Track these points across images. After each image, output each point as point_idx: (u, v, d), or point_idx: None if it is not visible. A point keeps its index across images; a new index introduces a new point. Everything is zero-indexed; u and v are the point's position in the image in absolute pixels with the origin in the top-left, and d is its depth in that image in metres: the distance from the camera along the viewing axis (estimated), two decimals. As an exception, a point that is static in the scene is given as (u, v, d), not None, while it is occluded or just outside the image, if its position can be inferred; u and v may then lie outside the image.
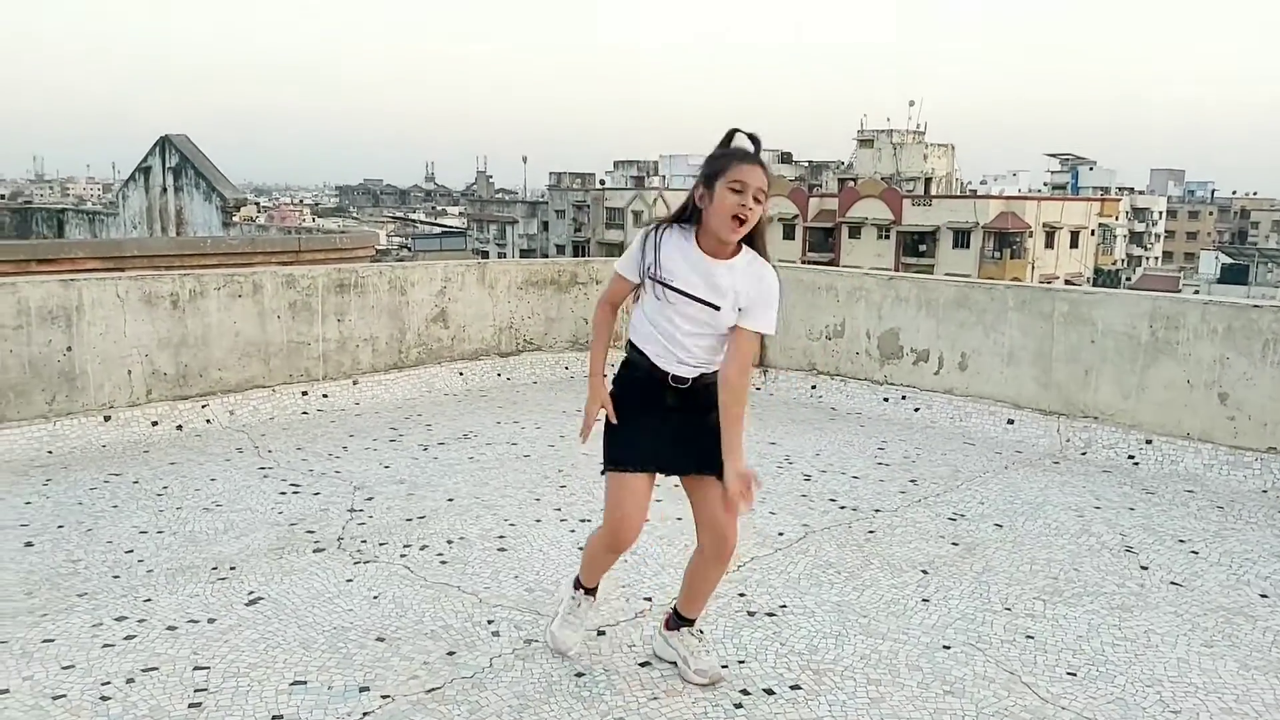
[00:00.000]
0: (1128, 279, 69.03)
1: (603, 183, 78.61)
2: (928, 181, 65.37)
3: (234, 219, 12.93)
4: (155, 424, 5.39)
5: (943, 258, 56.94)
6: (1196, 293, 57.70)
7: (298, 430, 5.57)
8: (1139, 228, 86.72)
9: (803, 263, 56.50)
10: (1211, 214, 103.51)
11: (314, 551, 3.81)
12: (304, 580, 3.54)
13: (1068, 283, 55.80)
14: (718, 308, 2.61)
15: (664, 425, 2.72)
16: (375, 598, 3.40)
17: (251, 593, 3.42)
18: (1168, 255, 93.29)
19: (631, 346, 2.76)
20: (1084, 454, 5.33)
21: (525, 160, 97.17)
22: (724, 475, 2.63)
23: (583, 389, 6.58)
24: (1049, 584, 3.62)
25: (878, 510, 4.41)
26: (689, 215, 2.65)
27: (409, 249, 63.05)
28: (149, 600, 3.34)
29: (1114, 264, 70.12)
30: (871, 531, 4.13)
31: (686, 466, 2.75)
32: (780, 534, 4.08)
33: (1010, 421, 5.70)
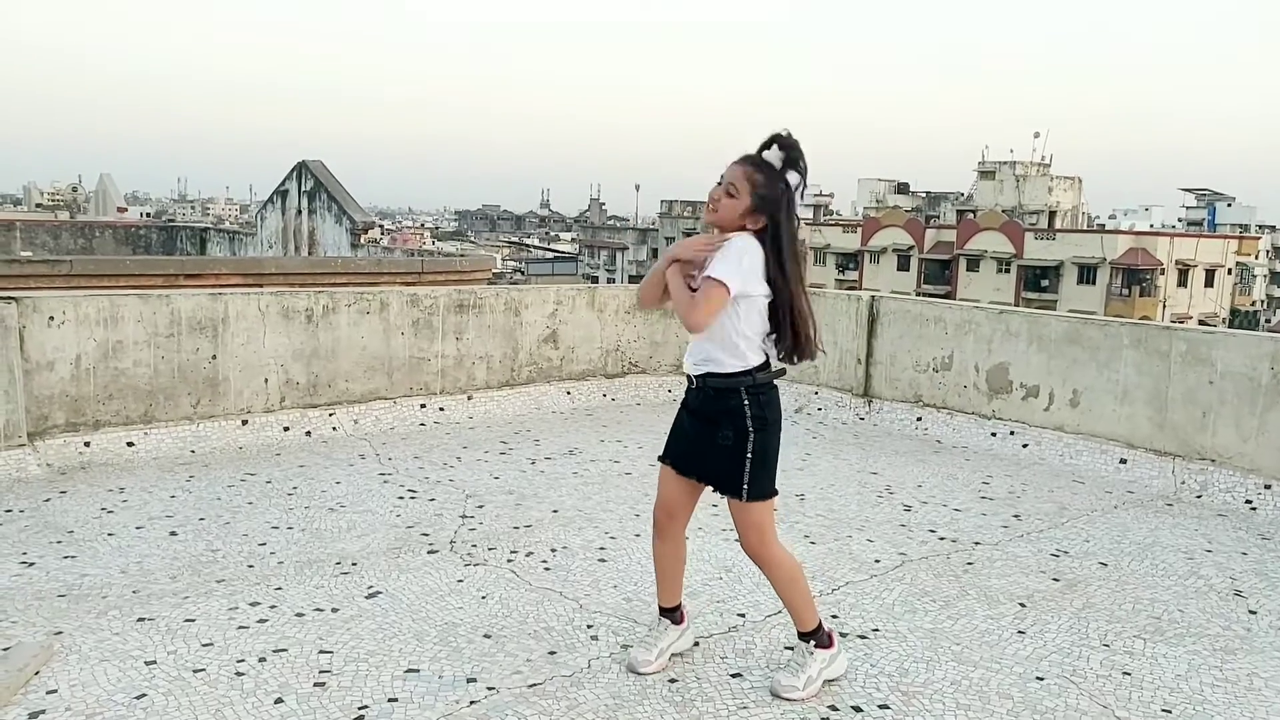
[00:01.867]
0: (1267, 320, 65.37)
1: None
2: (1051, 215, 63.38)
3: (361, 241, 13.60)
4: (287, 429, 5.77)
5: (1066, 293, 55.03)
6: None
7: (415, 440, 5.88)
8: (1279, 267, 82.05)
9: (916, 294, 55.70)
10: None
11: (428, 553, 4.04)
12: (419, 578, 3.77)
13: (1201, 323, 53.22)
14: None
15: (689, 426, 2.98)
16: (484, 598, 3.60)
17: (371, 587, 3.67)
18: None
19: None
20: (1199, 497, 5.18)
21: (638, 188, 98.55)
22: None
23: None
24: (1151, 623, 3.57)
25: (978, 543, 4.40)
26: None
27: (522, 273, 64.59)
28: (279, 589, 3.62)
29: (1252, 304, 66.49)
30: (970, 563, 4.13)
31: (695, 471, 2.98)
32: (877, 561, 4.12)
33: (1123, 461, 5.58)
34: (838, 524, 4.59)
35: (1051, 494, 5.21)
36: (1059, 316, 6.02)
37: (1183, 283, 56.17)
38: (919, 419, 6.60)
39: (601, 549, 4.14)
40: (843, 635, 3.37)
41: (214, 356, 5.57)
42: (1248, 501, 5.04)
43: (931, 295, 52.67)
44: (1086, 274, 55.46)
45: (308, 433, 5.82)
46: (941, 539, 4.44)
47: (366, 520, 4.43)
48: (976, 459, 5.90)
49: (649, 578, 3.82)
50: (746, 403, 2.86)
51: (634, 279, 73.81)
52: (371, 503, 4.69)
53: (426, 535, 4.26)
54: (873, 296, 6.98)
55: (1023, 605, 3.70)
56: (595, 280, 76.00)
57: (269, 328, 5.74)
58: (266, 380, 5.76)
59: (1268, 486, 5.03)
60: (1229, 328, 54.49)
